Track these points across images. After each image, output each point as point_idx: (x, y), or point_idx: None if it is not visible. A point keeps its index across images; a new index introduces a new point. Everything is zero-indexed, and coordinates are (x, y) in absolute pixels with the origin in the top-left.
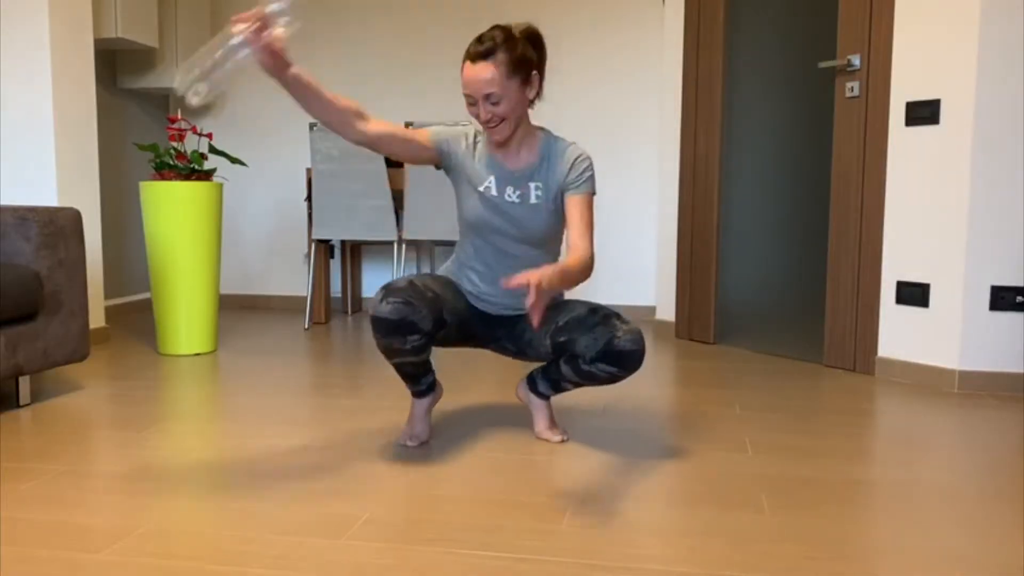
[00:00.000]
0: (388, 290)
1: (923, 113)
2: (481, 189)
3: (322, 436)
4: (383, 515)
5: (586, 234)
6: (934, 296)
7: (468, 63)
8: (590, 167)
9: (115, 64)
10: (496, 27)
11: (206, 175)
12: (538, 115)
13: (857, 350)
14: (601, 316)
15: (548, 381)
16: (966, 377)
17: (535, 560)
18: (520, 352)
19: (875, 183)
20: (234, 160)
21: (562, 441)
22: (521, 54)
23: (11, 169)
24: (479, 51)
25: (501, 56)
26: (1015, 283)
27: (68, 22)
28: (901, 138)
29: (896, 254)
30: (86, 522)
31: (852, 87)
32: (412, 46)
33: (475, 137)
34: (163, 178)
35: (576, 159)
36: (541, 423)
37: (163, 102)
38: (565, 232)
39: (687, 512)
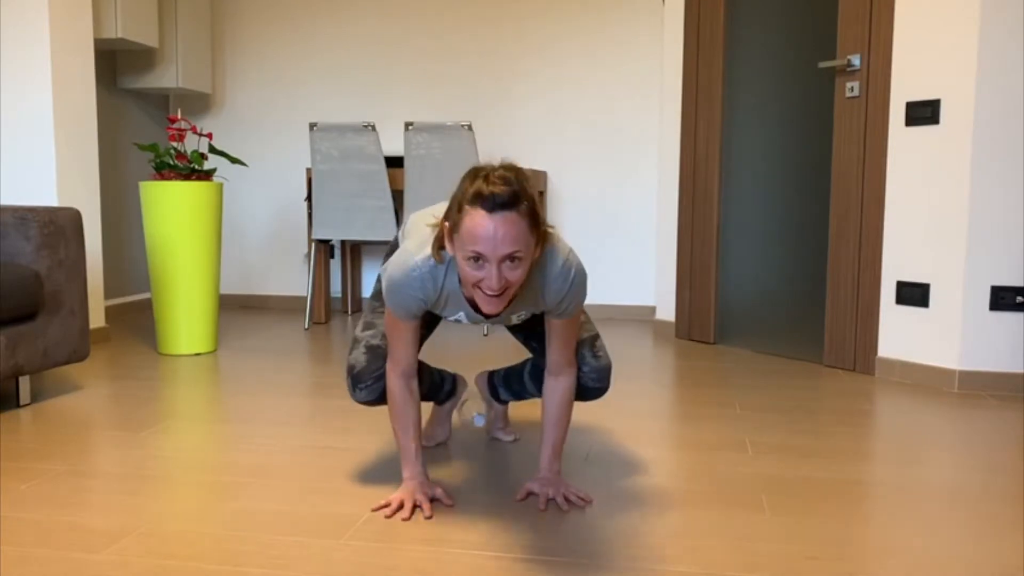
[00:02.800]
0: (354, 376)
1: (923, 113)
2: (451, 319)
3: (322, 436)
4: (382, 515)
5: (568, 354)
6: (934, 296)
7: (483, 213)
8: (582, 292)
9: (115, 64)
10: (500, 168)
11: (206, 175)
12: (538, 115)
13: (857, 350)
14: (576, 342)
15: (510, 391)
16: (966, 377)
17: (535, 560)
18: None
19: (875, 183)
20: (234, 160)
21: (514, 440)
22: (535, 202)
23: (11, 169)
24: (502, 198)
25: (525, 205)
26: (1015, 283)
27: (68, 22)
28: (901, 138)
29: (896, 254)
30: (86, 522)
31: (852, 87)
32: (412, 46)
33: (442, 281)
34: (163, 178)
35: (567, 292)
36: (499, 423)
37: (163, 102)
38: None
39: (687, 512)
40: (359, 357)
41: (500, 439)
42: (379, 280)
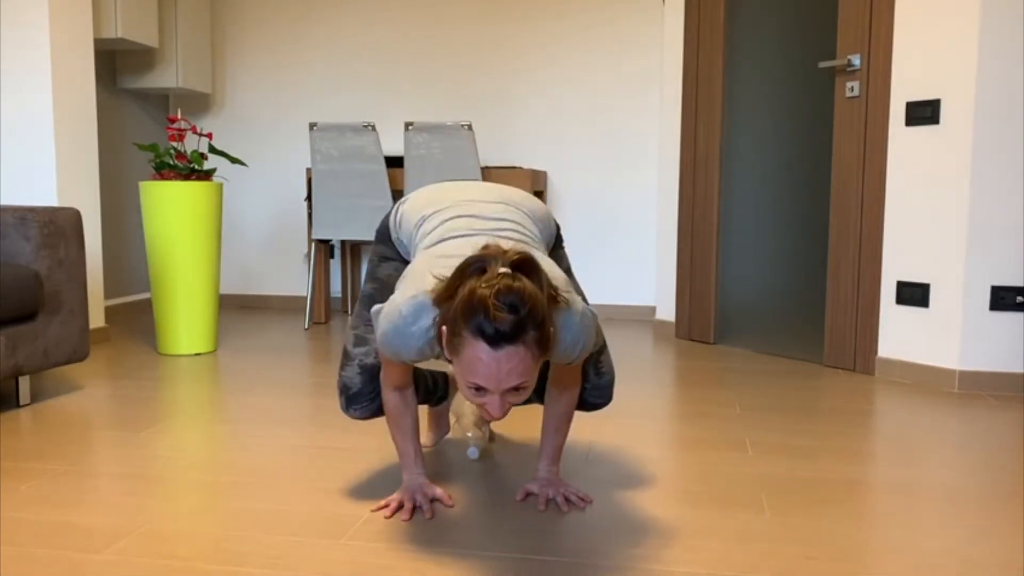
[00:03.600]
0: (348, 397)
1: (923, 113)
2: None
3: (322, 436)
4: (382, 515)
5: (575, 373)
6: (934, 296)
7: (485, 346)
8: (591, 341)
9: (115, 64)
10: (507, 276)
11: (206, 175)
12: (538, 115)
13: (857, 350)
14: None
15: None
16: (966, 377)
17: (535, 560)
18: None
19: (875, 183)
20: (234, 160)
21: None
22: (544, 317)
23: (11, 169)
24: (506, 332)
25: (532, 333)
26: (1015, 283)
27: (68, 22)
28: (901, 138)
29: (896, 254)
30: (86, 522)
31: (852, 87)
32: (412, 45)
33: (440, 348)
34: (163, 178)
35: (578, 354)
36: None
37: (163, 102)
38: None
39: (687, 512)
40: (354, 378)
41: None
42: (368, 278)
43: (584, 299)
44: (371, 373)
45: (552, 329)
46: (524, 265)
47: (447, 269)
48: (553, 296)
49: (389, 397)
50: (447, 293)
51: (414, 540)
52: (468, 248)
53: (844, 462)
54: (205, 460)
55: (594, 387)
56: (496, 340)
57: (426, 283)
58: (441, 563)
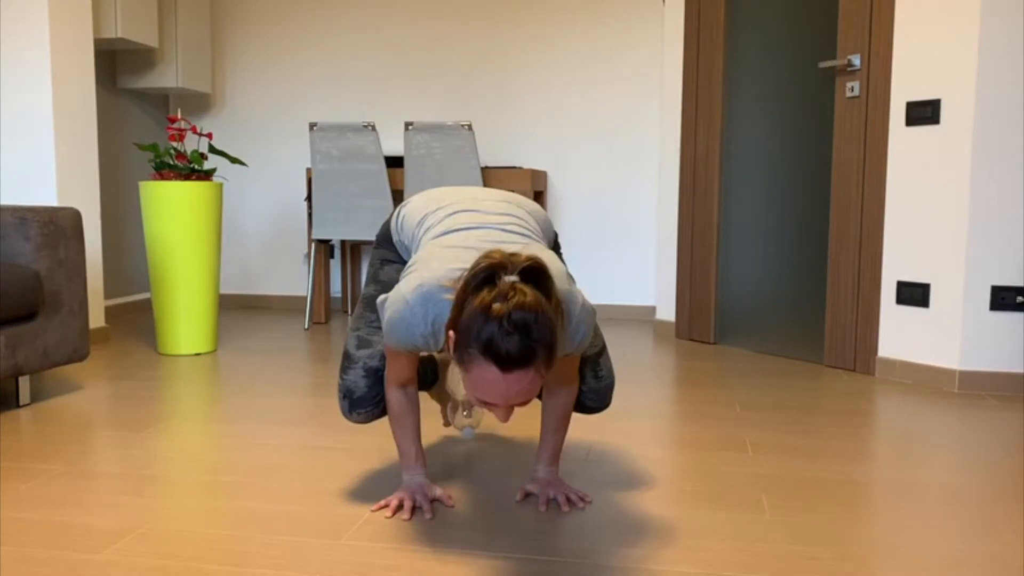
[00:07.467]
0: (352, 401)
1: (923, 113)
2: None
3: (322, 436)
4: (382, 515)
5: (572, 372)
6: (934, 296)
7: (494, 369)
8: (588, 336)
9: (115, 64)
10: (518, 292)
11: (206, 175)
12: (538, 115)
13: (857, 350)
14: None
15: None
16: (966, 377)
17: (535, 560)
18: None
19: (875, 183)
20: (234, 160)
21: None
22: (554, 335)
23: (11, 169)
24: (516, 357)
25: (543, 355)
26: (1015, 283)
27: (68, 22)
28: (901, 138)
29: (896, 254)
30: (86, 522)
31: (852, 87)
32: (412, 46)
33: (445, 339)
34: (163, 178)
35: (577, 347)
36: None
37: (163, 102)
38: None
39: (687, 512)
40: (358, 381)
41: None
42: (370, 280)
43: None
44: (376, 376)
45: (560, 338)
46: (534, 272)
47: (453, 260)
48: (559, 303)
49: (393, 395)
50: (456, 305)
51: (414, 540)
52: (473, 239)
53: (844, 462)
54: (205, 460)
55: (591, 391)
56: (507, 364)
57: (432, 271)
58: (441, 563)
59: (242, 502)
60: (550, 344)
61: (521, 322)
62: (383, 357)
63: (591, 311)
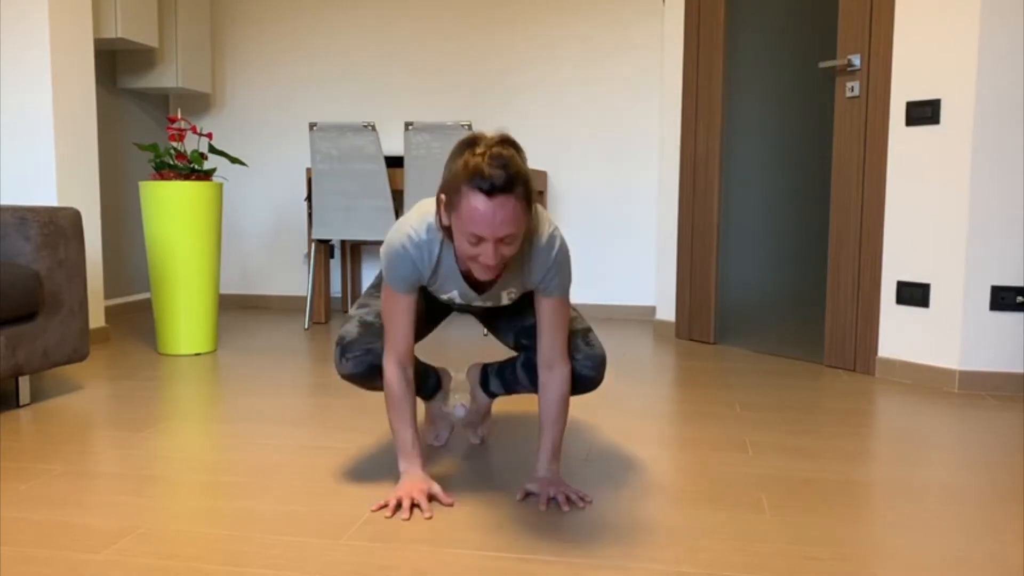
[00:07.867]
0: (343, 346)
1: (923, 113)
2: (444, 298)
3: (322, 436)
4: (382, 515)
5: (559, 344)
6: (934, 296)
7: (482, 196)
8: (566, 269)
9: (115, 64)
10: (496, 145)
11: (206, 175)
12: (538, 115)
13: (857, 350)
14: (569, 332)
15: (502, 382)
16: (966, 377)
17: (535, 560)
18: (487, 325)
19: (875, 183)
20: (234, 160)
21: (480, 443)
22: (528, 179)
23: (11, 169)
24: (499, 182)
25: (520, 188)
26: (1015, 283)
27: (68, 22)
28: (901, 138)
29: (896, 254)
30: (86, 522)
31: (852, 87)
32: (412, 46)
33: (438, 254)
34: (163, 178)
35: (552, 265)
36: (477, 419)
37: (163, 102)
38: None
39: (687, 512)
40: (351, 329)
41: (469, 438)
42: (375, 284)
43: (578, 316)
44: (369, 328)
45: (534, 196)
46: (509, 141)
47: (429, 207)
48: (528, 184)
49: (391, 373)
50: (443, 186)
51: (414, 540)
52: None
53: (844, 462)
54: (205, 460)
55: (586, 356)
56: (491, 191)
57: (426, 209)
58: (441, 563)
59: (242, 502)
60: (526, 181)
61: (500, 156)
62: (379, 315)
63: (562, 240)
